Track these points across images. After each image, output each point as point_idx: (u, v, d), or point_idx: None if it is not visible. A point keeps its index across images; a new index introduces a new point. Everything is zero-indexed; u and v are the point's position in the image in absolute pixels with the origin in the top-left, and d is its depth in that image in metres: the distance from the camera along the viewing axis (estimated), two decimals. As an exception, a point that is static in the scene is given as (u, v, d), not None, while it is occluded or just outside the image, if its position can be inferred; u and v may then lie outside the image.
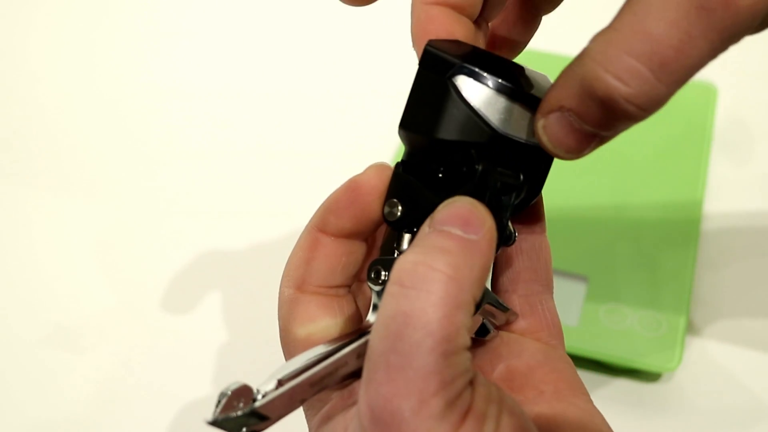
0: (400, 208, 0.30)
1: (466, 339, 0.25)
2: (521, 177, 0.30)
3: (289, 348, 0.31)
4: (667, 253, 0.50)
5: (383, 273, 0.30)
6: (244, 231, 0.54)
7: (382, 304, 0.26)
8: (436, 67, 0.30)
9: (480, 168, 0.29)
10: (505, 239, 0.30)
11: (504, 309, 0.31)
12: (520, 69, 0.31)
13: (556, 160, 0.30)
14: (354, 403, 0.29)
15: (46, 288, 0.52)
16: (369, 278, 0.30)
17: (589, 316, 0.47)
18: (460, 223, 0.27)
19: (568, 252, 0.50)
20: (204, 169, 0.59)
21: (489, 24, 0.34)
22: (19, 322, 0.50)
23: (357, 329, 0.31)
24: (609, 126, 0.28)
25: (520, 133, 0.30)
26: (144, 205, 0.57)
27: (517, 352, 0.31)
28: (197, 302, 0.50)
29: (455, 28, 0.30)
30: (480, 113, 0.29)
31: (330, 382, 0.28)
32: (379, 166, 0.31)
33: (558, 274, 0.48)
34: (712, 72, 0.61)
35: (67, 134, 0.61)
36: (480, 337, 0.31)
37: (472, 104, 0.29)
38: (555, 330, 0.32)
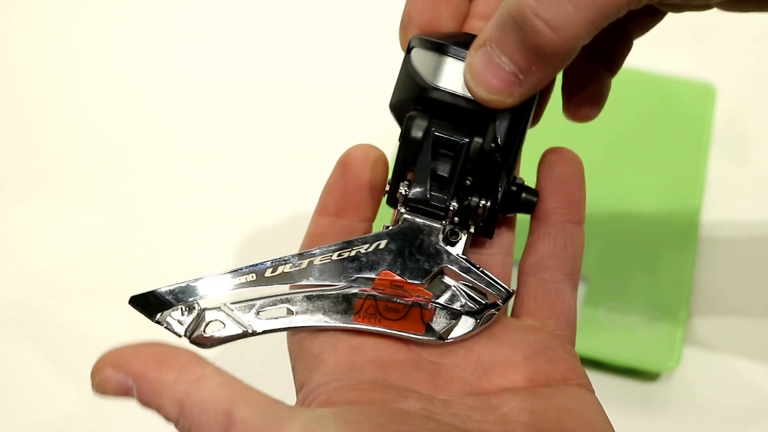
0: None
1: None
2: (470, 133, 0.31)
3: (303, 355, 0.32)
4: (666, 252, 0.50)
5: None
6: (244, 231, 0.54)
7: None
8: (408, 49, 0.32)
9: (409, 114, 0.31)
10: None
11: (498, 290, 0.31)
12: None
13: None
14: None
15: (46, 287, 0.52)
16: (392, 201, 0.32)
17: (588, 315, 0.48)
18: None
19: (568, 252, 0.50)
20: (204, 169, 0.59)
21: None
22: (18, 322, 0.50)
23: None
24: (528, 58, 0.28)
25: (454, 86, 0.31)
26: (143, 205, 0.57)
27: (515, 342, 0.31)
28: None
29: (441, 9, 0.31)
30: (417, 71, 0.31)
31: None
32: (365, 144, 0.33)
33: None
34: (711, 72, 0.62)
35: (59, 135, 0.61)
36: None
37: (413, 65, 0.31)
38: (564, 321, 0.32)
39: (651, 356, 0.46)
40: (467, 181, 0.31)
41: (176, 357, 0.26)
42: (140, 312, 0.30)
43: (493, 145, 0.31)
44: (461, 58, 0.31)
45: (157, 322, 0.30)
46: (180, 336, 0.30)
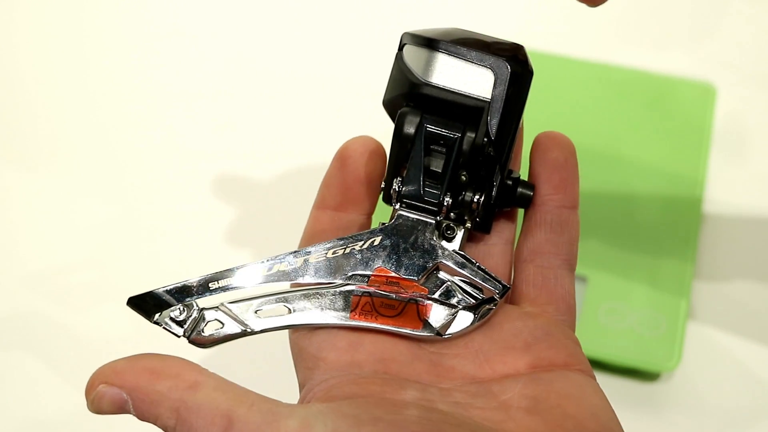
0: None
1: None
2: (463, 128, 0.31)
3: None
4: (666, 252, 0.50)
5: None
6: (244, 231, 0.54)
7: None
8: (400, 46, 0.32)
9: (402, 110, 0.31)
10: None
11: (494, 285, 0.31)
12: (471, 34, 0.33)
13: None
14: None
15: (45, 287, 0.52)
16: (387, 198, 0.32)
17: (588, 315, 0.48)
18: None
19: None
20: (203, 169, 0.59)
21: None
22: (18, 322, 0.50)
23: None
24: None
25: (445, 81, 0.31)
26: (143, 204, 0.57)
27: (517, 328, 0.31)
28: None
29: None
30: (409, 67, 0.31)
31: None
32: (362, 136, 0.33)
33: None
34: (711, 72, 0.62)
35: (60, 132, 0.61)
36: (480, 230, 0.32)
37: (405, 62, 0.32)
38: (564, 306, 0.32)
39: (651, 356, 0.46)
40: (462, 177, 0.31)
41: (169, 366, 0.27)
42: (139, 313, 0.30)
43: (485, 139, 0.31)
44: (452, 54, 0.31)
45: (156, 323, 0.30)
46: (179, 336, 0.30)
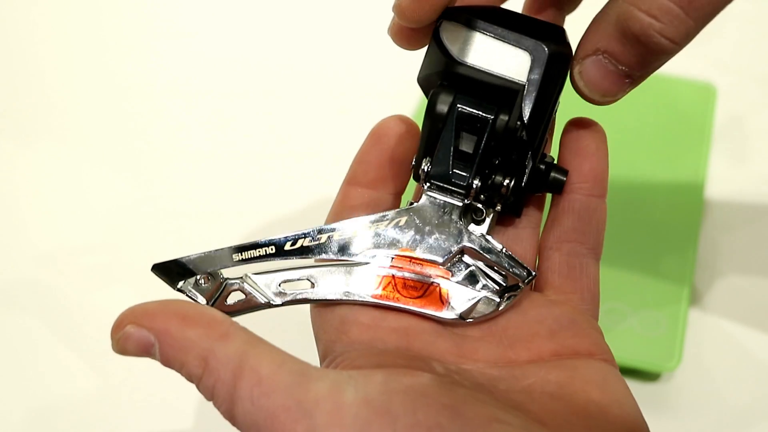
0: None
1: None
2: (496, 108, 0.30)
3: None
4: (666, 252, 0.50)
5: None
6: (244, 230, 0.54)
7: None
8: (438, 22, 0.31)
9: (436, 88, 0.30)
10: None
11: (519, 271, 0.30)
12: (512, 14, 0.32)
13: None
14: None
15: (57, 267, 0.52)
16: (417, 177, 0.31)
17: (588, 315, 0.48)
18: None
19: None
20: (203, 169, 0.59)
21: None
22: (29, 302, 0.50)
23: None
24: (643, 64, 0.29)
25: (481, 62, 0.30)
26: (144, 204, 0.57)
27: (542, 315, 0.31)
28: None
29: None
30: (445, 45, 0.31)
31: None
32: (397, 115, 0.33)
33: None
34: (711, 72, 0.62)
35: (78, 114, 0.61)
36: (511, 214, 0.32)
37: (442, 39, 0.31)
38: (589, 295, 0.32)
39: (651, 356, 0.46)
40: (495, 161, 0.30)
41: (201, 314, 0.26)
42: (162, 279, 0.30)
43: (519, 123, 0.30)
44: (490, 34, 0.30)
45: (179, 290, 0.30)
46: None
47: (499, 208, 0.31)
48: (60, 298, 0.51)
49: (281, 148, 0.60)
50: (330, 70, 0.66)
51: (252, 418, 0.25)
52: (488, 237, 0.31)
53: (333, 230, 0.31)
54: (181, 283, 0.30)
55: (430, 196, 0.31)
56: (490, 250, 0.31)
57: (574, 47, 0.31)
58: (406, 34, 0.32)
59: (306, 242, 0.31)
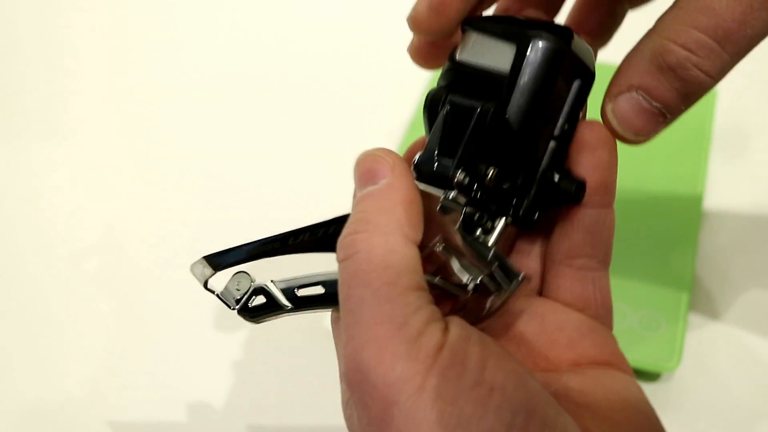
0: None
1: (412, 280, 0.26)
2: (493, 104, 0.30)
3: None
4: (666, 252, 0.50)
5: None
6: (244, 230, 0.54)
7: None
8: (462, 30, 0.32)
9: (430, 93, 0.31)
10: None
11: (512, 276, 0.29)
12: (516, 18, 0.33)
13: None
14: None
15: (44, 287, 0.52)
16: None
17: (588, 315, 0.48)
18: (366, 179, 0.28)
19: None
20: (203, 169, 0.59)
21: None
22: (22, 310, 0.50)
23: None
24: (679, 99, 0.29)
25: (470, 58, 0.31)
26: (145, 203, 0.57)
27: (560, 322, 0.31)
28: (199, 302, 0.50)
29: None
30: (457, 50, 0.31)
31: None
32: None
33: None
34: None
35: (69, 128, 0.61)
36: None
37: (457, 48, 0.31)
38: (603, 310, 0.32)
39: (651, 356, 0.46)
40: (486, 156, 0.30)
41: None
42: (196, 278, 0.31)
43: (508, 116, 0.29)
44: (481, 30, 0.31)
45: (209, 290, 0.31)
46: (230, 308, 0.31)
47: (509, 219, 0.31)
48: (60, 298, 0.51)
49: (281, 148, 0.60)
50: (330, 70, 0.66)
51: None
52: (464, 230, 0.30)
53: (328, 225, 0.32)
54: (211, 284, 0.31)
55: (418, 187, 0.30)
56: (470, 244, 0.29)
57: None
58: (424, 53, 0.32)
59: (306, 237, 0.32)
